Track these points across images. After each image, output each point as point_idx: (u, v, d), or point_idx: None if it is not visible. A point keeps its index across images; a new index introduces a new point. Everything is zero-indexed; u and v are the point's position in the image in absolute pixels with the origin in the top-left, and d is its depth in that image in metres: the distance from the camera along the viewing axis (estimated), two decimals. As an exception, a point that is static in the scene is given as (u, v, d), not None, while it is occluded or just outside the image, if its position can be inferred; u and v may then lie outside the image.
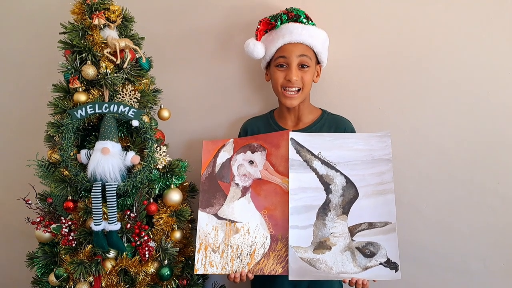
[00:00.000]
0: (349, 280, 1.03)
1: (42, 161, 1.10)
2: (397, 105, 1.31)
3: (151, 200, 1.13)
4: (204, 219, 1.13)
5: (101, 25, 1.07)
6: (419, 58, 1.27)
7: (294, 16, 1.16)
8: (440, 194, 1.32)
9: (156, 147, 1.11)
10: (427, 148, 1.31)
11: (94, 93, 1.08)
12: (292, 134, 1.12)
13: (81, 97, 1.07)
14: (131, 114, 1.07)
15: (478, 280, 1.34)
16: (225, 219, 1.12)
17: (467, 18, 1.23)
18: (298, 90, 1.16)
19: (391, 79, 1.30)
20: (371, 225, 1.05)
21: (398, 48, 1.28)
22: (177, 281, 1.18)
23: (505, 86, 1.24)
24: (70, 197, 1.09)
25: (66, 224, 1.09)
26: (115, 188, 1.04)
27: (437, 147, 1.30)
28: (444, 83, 1.27)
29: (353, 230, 1.05)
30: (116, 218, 1.05)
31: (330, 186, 1.08)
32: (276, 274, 1.05)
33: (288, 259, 1.05)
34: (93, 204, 1.04)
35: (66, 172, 1.08)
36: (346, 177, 1.08)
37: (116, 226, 1.06)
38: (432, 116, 1.29)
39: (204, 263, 1.09)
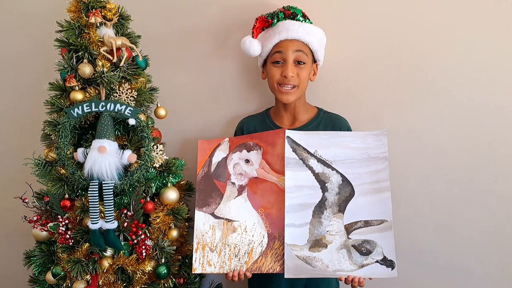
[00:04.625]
0: (345, 278, 1.03)
1: (39, 160, 1.11)
2: (394, 104, 1.31)
3: (148, 199, 1.13)
4: (201, 219, 1.13)
5: (98, 23, 1.07)
6: (416, 57, 1.27)
7: (291, 14, 1.16)
8: (437, 193, 1.32)
9: (153, 145, 1.11)
10: (423, 147, 1.31)
11: (91, 91, 1.08)
12: (288, 132, 1.12)
13: (78, 95, 1.07)
14: (127, 113, 1.07)
15: (475, 279, 1.34)
16: (222, 218, 1.12)
17: (464, 18, 1.23)
18: (294, 87, 1.16)
19: (388, 78, 1.30)
20: (367, 223, 1.05)
21: (395, 47, 1.28)
22: (174, 280, 1.18)
23: (501, 86, 1.24)
24: (67, 196, 1.09)
25: (63, 223, 1.09)
26: (112, 187, 1.05)
27: (434, 146, 1.30)
28: (441, 82, 1.27)
29: (349, 228, 1.06)
30: (113, 216, 1.05)
31: (326, 184, 1.08)
32: (274, 272, 1.05)
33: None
34: (90, 203, 1.04)
35: (63, 170, 1.08)
36: (342, 175, 1.08)
37: (113, 225, 1.06)
38: (429, 115, 1.29)
39: (202, 263, 1.09)
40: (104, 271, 1.09)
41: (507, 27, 1.21)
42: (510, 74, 1.23)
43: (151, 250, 1.11)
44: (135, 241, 1.10)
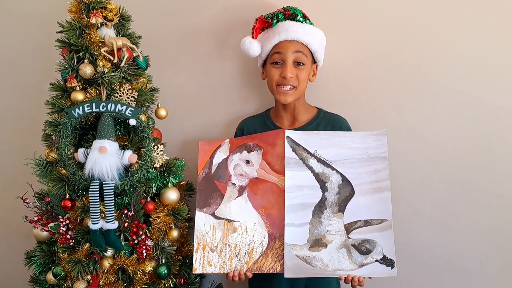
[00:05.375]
0: (345, 277, 1.03)
1: (40, 160, 1.11)
2: (393, 104, 1.31)
3: (149, 199, 1.13)
4: (202, 219, 1.13)
5: (98, 24, 1.08)
6: (415, 58, 1.28)
7: (290, 15, 1.17)
8: (437, 193, 1.32)
9: (154, 146, 1.11)
10: (423, 147, 1.31)
11: (92, 92, 1.09)
12: (288, 133, 1.12)
13: (79, 96, 1.07)
14: (128, 113, 1.08)
15: (474, 279, 1.34)
16: (223, 219, 1.12)
17: (464, 18, 1.23)
18: (293, 87, 1.16)
19: (388, 78, 1.30)
20: (367, 223, 1.05)
21: (395, 48, 1.29)
22: (174, 280, 1.18)
23: (501, 86, 1.24)
24: (67, 196, 1.10)
25: (64, 223, 1.09)
26: (113, 187, 1.05)
27: (434, 146, 1.31)
28: (441, 83, 1.28)
29: (349, 228, 1.06)
30: (113, 216, 1.06)
31: (326, 184, 1.08)
32: (275, 272, 1.06)
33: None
34: (90, 203, 1.04)
35: (64, 171, 1.08)
36: (342, 175, 1.08)
37: (114, 225, 1.06)
38: (429, 115, 1.30)
39: (203, 263, 1.09)
40: (105, 271, 1.09)
41: (507, 27, 1.21)
42: (510, 74, 1.23)
43: (151, 250, 1.12)
44: (136, 241, 1.10)
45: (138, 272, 1.11)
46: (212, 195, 1.15)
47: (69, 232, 1.09)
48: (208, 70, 1.41)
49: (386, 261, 1.02)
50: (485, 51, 1.23)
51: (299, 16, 1.17)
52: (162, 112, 1.18)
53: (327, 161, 1.09)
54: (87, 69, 1.06)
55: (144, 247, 1.09)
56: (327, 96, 1.33)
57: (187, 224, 1.26)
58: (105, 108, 1.06)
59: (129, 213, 1.09)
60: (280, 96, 1.17)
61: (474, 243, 1.32)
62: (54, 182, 1.08)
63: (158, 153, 1.12)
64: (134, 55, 1.14)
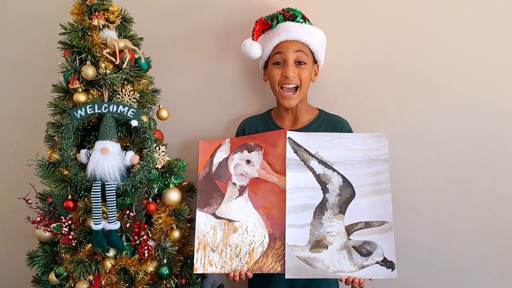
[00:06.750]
0: (346, 279, 1.03)
1: (42, 161, 1.11)
2: (394, 105, 1.32)
3: (150, 200, 1.14)
4: (202, 219, 1.13)
5: (100, 26, 1.08)
6: (416, 59, 1.28)
7: (290, 16, 1.17)
8: (438, 194, 1.33)
9: (155, 146, 1.11)
10: (424, 148, 1.32)
11: (94, 93, 1.09)
12: (290, 133, 1.13)
13: (81, 97, 1.08)
14: (130, 114, 1.08)
15: (475, 280, 1.34)
16: (223, 219, 1.13)
17: (465, 19, 1.24)
18: (296, 88, 1.17)
19: (389, 79, 1.31)
20: (367, 225, 1.06)
21: (395, 49, 1.29)
22: (176, 280, 1.19)
23: (501, 86, 1.24)
24: (70, 197, 1.10)
25: (66, 223, 1.10)
26: (115, 188, 1.05)
27: (435, 147, 1.31)
28: (442, 84, 1.28)
29: (349, 229, 1.06)
30: (115, 217, 1.06)
31: (327, 186, 1.09)
32: (275, 272, 1.06)
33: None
34: (92, 204, 1.05)
35: (66, 171, 1.09)
36: (343, 176, 1.09)
37: (116, 225, 1.06)
38: (430, 117, 1.30)
39: (203, 263, 1.10)
40: (107, 271, 1.10)
41: (507, 27, 1.21)
42: (510, 74, 1.23)
43: (153, 250, 1.12)
44: (138, 242, 1.10)
45: (140, 273, 1.11)
46: (213, 194, 1.15)
47: (72, 233, 1.10)
48: (209, 71, 1.41)
49: (387, 263, 1.02)
50: (485, 51, 1.23)
51: (298, 17, 1.18)
52: (164, 113, 1.19)
53: (328, 163, 1.10)
54: (89, 71, 1.07)
55: (146, 247, 1.10)
56: (328, 97, 1.34)
57: (188, 224, 1.26)
58: (107, 110, 1.07)
59: (131, 213, 1.10)
60: (284, 100, 1.17)
61: (474, 244, 1.33)
62: (57, 183, 1.08)
63: (159, 154, 1.13)
64: (136, 57, 1.14)
